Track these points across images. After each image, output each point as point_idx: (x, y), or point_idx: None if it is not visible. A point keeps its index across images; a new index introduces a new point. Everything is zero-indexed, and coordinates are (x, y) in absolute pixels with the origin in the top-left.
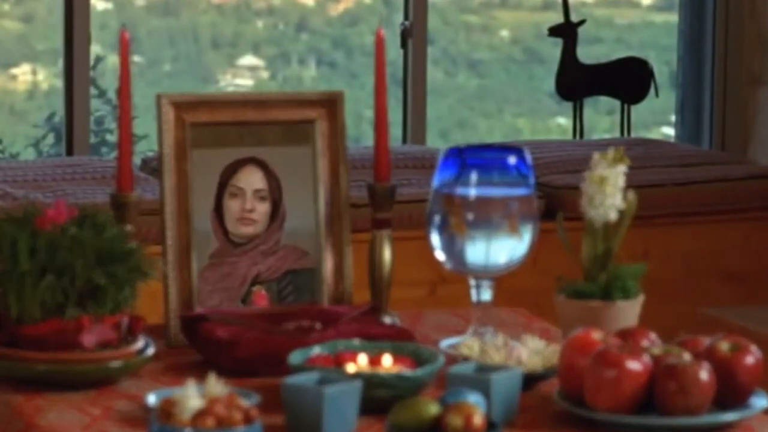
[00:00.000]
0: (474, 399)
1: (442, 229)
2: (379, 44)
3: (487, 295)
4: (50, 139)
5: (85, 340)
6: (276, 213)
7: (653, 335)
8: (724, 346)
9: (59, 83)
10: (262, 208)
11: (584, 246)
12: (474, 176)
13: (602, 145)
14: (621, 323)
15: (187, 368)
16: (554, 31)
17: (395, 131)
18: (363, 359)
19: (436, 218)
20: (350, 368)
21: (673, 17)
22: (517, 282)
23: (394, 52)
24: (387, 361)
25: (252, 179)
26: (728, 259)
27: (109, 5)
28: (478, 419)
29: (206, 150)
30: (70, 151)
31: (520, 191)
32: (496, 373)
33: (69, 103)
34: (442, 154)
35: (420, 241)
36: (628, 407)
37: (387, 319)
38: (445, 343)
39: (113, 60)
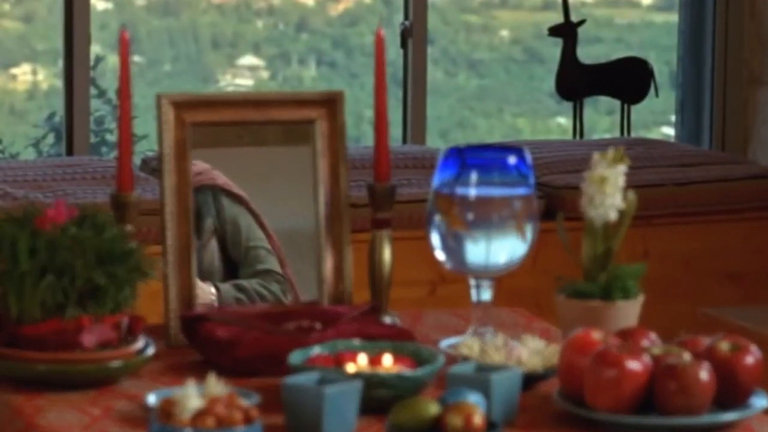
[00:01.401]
0: (474, 399)
1: (442, 229)
2: (379, 44)
3: (487, 295)
4: (50, 139)
5: (85, 340)
6: None
7: (653, 335)
8: (724, 346)
9: (59, 83)
10: None
11: (584, 246)
12: (474, 176)
13: (602, 145)
14: (621, 323)
15: (187, 368)
16: (554, 31)
17: (395, 131)
18: (363, 359)
19: (436, 218)
20: (350, 368)
21: (673, 17)
22: (517, 282)
23: (394, 52)
24: (387, 361)
25: None
26: (728, 259)
27: (109, 5)
28: (478, 419)
29: (206, 150)
30: (70, 151)
31: (520, 191)
32: (496, 373)
33: (69, 103)
34: (442, 154)
35: (420, 241)
36: (628, 407)
37: (387, 319)
38: (445, 343)
39: (113, 60)
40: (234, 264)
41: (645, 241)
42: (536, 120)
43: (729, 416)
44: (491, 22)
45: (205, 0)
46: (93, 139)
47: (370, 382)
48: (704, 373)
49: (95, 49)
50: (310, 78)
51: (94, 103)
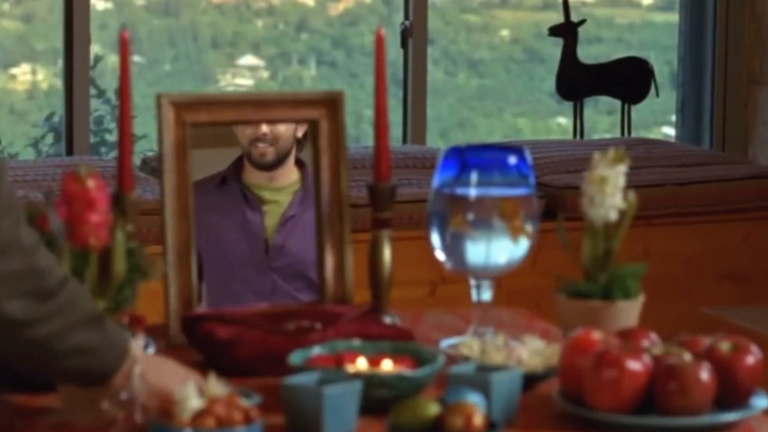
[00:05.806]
0: (474, 399)
1: (442, 229)
2: (379, 44)
3: (487, 295)
4: (49, 138)
5: None
6: None
7: (653, 335)
8: (724, 346)
9: (59, 83)
10: None
11: (584, 246)
12: (474, 176)
13: (602, 145)
14: (621, 323)
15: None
16: (554, 31)
17: (395, 131)
18: (363, 360)
19: (436, 218)
20: (350, 368)
21: (674, 17)
22: (517, 282)
23: (394, 52)
24: (387, 362)
25: None
26: (728, 259)
27: (109, 5)
28: (478, 419)
29: (206, 150)
30: (69, 151)
31: (520, 191)
32: (496, 373)
33: (69, 103)
34: (442, 154)
35: (420, 241)
36: (628, 407)
37: (387, 319)
38: (445, 343)
39: (112, 60)
40: None
41: (645, 241)
42: (536, 120)
43: (729, 416)
44: (491, 22)
45: (205, 0)
46: (92, 139)
47: (370, 382)
48: (704, 373)
49: (95, 49)
50: (310, 78)
51: (93, 103)
